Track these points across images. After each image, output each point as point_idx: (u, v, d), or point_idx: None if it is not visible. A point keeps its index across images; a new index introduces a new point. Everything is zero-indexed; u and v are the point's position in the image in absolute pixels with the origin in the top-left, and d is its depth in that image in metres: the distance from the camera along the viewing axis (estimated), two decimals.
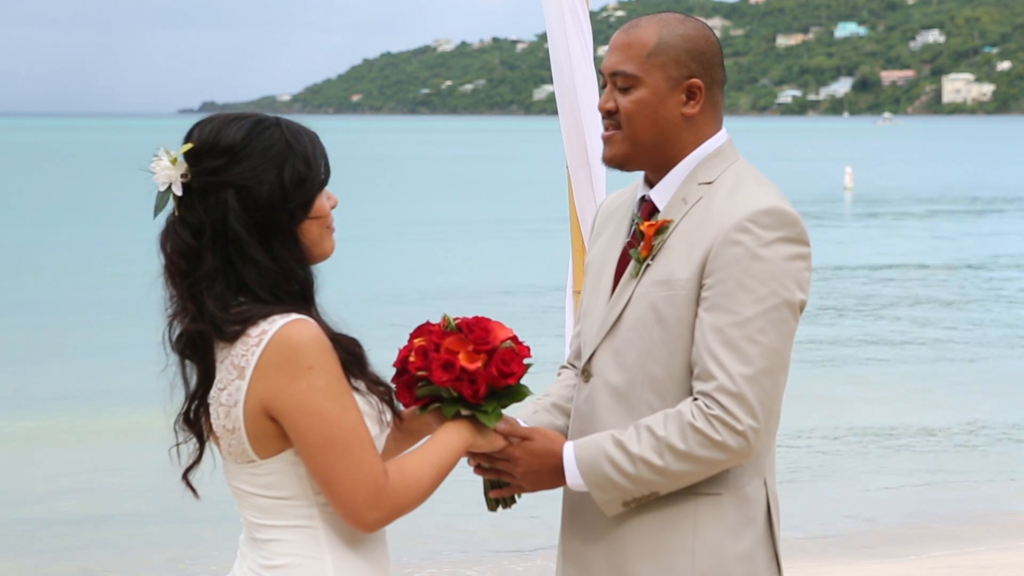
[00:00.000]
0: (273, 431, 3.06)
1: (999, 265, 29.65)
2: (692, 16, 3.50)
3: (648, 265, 3.41)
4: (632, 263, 3.45)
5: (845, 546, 10.38)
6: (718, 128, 3.49)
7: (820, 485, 12.16)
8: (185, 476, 3.20)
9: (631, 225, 3.51)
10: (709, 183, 3.42)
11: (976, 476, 12.58)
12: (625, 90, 3.44)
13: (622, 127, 3.45)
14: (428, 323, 3.28)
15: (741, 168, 3.45)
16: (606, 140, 3.49)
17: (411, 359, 3.24)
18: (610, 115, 3.47)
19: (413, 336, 3.28)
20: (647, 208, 3.48)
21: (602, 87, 3.51)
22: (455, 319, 3.26)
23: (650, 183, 3.50)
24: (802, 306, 3.35)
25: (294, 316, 3.05)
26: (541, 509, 8.50)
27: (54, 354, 19.14)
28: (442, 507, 9.76)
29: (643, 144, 3.45)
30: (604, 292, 3.50)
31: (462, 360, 3.19)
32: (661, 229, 3.41)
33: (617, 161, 3.49)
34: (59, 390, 16.56)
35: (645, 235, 3.42)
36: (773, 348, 3.27)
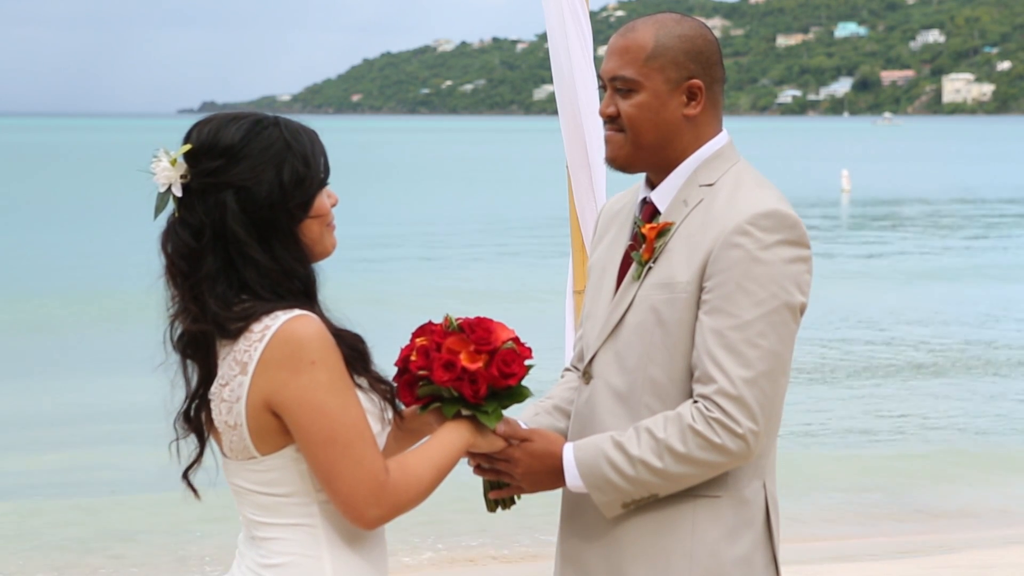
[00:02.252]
0: (275, 427, 3.06)
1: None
2: (689, 16, 3.49)
3: (650, 268, 3.40)
4: (634, 266, 3.44)
5: (845, 546, 10.37)
6: (719, 128, 3.48)
7: (820, 485, 12.14)
8: (185, 475, 3.20)
9: (633, 227, 3.51)
10: (710, 185, 3.41)
11: (976, 476, 12.57)
12: (625, 95, 3.43)
13: (625, 131, 3.44)
14: (430, 322, 3.28)
15: (742, 170, 3.45)
16: (608, 141, 3.49)
17: (412, 358, 3.24)
18: (612, 120, 3.46)
19: (415, 335, 3.28)
20: (648, 210, 3.48)
21: (601, 90, 3.51)
22: (457, 319, 3.26)
23: (651, 185, 3.50)
24: (803, 309, 3.34)
25: (297, 312, 3.05)
26: (539, 510, 8.50)
27: (52, 352, 19.15)
28: (439, 506, 9.76)
29: (646, 147, 3.44)
30: (606, 295, 3.50)
31: (463, 360, 3.19)
32: (662, 232, 3.41)
33: (619, 163, 3.48)
34: (55, 386, 16.57)
35: (647, 238, 3.42)
36: (773, 351, 3.27)
